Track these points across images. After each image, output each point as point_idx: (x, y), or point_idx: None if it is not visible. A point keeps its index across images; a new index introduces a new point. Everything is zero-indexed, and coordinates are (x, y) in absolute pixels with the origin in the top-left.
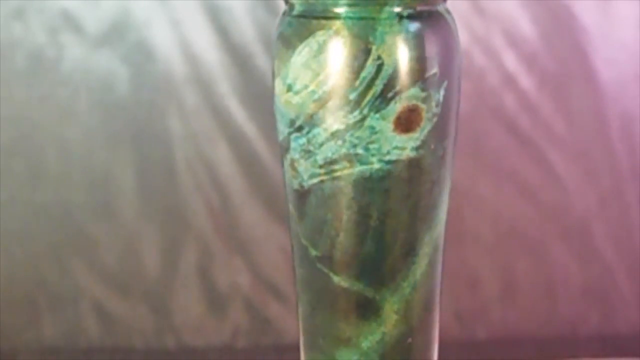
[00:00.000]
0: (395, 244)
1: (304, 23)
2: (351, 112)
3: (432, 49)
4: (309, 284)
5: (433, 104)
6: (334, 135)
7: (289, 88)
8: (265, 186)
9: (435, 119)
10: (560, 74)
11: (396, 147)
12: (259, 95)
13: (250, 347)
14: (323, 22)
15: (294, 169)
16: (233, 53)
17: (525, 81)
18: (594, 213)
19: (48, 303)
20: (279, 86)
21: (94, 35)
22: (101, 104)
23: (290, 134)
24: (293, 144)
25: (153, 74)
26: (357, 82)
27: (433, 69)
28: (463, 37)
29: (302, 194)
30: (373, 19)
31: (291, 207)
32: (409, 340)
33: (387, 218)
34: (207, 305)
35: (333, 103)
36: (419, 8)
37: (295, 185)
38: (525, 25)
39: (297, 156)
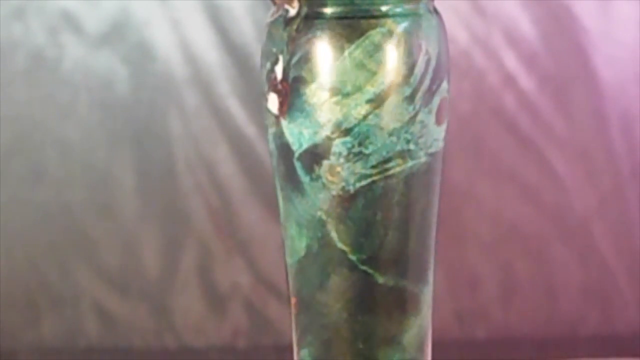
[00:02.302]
0: (430, 235)
1: (348, 24)
2: (406, 108)
3: (446, 42)
4: (345, 290)
5: (449, 95)
6: (390, 133)
7: (335, 92)
8: (265, 186)
9: (449, 109)
10: (560, 74)
11: (435, 140)
12: (259, 95)
13: (250, 347)
14: (372, 21)
15: (335, 174)
16: (233, 53)
17: (525, 81)
18: (594, 213)
19: (48, 303)
20: (315, 93)
21: (94, 35)
22: (101, 104)
23: (332, 139)
24: (336, 149)
25: (153, 74)
26: (412, 79)
27: (447, 62)
28: (463, 37)
29: (346, 199)
30: (417, 14)
31: (321, 215)
32: (430, 330)
33: (426, 211)
34: (207, 305)
35: (389, 101)
36: (434, 3)
37: (336, 191)
38: (525, 25)
39: (341, 160)
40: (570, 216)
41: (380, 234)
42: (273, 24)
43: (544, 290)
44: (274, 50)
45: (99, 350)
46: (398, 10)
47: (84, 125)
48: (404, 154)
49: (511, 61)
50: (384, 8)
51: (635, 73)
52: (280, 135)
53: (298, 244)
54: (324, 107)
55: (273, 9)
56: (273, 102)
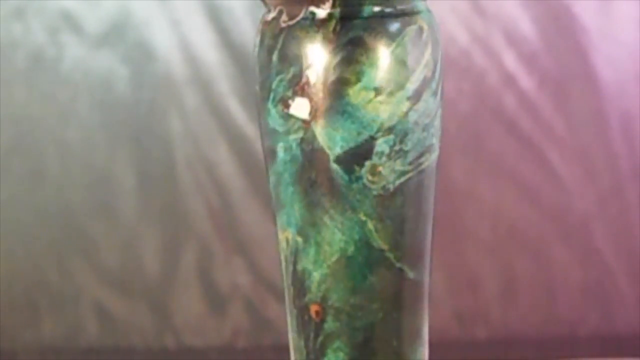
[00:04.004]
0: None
1: (388, 23)
2: (433, 102)
3: None
4: (382, 289)
5: None
6: (423, 128)
7: (379, 91)
8: (265, 186)
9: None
10: (560, 74)
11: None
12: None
13: (250, 347)
14: (406, 19)
15: (376, 174)
16: (233, 53)
17: (525, 81)
18: (594, 213)
19: (48, 303)
20: (359, 93)
21: (94, 35)
22: (101, 104)
23: (375, 138)
24: (378, 148)
25: (153, 74)
26: (436, 73)
27: None
28: (463, 37)
29: (386, 198)
30: (429, 11)
31: (361, 216)
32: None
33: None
34: (207, 305)
35: (423, 97)
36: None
37: (377, 191)
38: (525, 25)
39: (383, 160)
40: (570, 216)
41: (412, 229)
42: (296, 27)
43: (544, 290)
44: (302, 53)
45: (99, 350)
46: (421, 7)
47: (84, 125)
48: (431, 148)
49: (511, 61)
50: (412, 5)
51: (635, 73)
52: (310, 140)
53: (328, 250)
54: (368, 107)
55: (270, 11)
56: (301, 107)
